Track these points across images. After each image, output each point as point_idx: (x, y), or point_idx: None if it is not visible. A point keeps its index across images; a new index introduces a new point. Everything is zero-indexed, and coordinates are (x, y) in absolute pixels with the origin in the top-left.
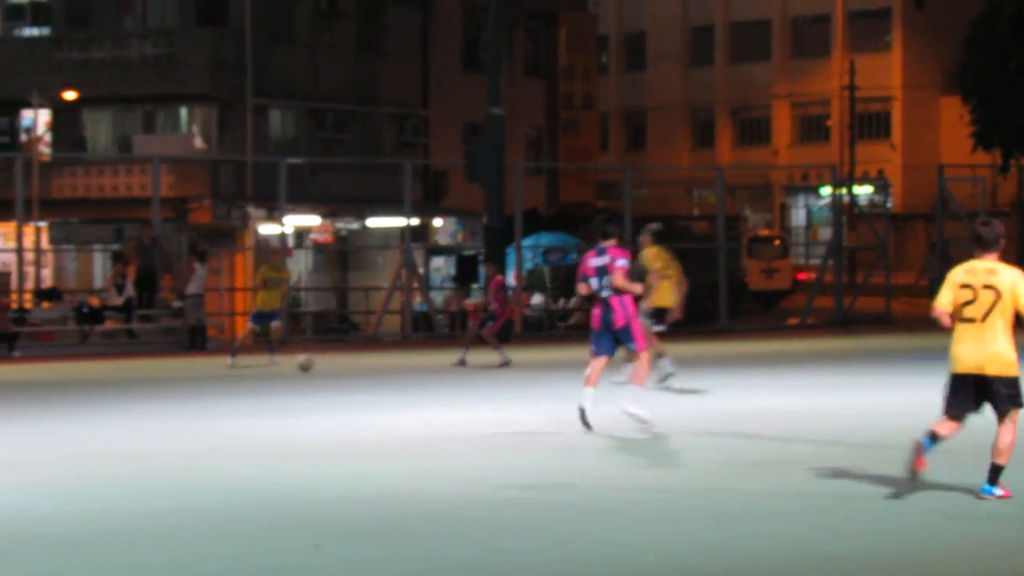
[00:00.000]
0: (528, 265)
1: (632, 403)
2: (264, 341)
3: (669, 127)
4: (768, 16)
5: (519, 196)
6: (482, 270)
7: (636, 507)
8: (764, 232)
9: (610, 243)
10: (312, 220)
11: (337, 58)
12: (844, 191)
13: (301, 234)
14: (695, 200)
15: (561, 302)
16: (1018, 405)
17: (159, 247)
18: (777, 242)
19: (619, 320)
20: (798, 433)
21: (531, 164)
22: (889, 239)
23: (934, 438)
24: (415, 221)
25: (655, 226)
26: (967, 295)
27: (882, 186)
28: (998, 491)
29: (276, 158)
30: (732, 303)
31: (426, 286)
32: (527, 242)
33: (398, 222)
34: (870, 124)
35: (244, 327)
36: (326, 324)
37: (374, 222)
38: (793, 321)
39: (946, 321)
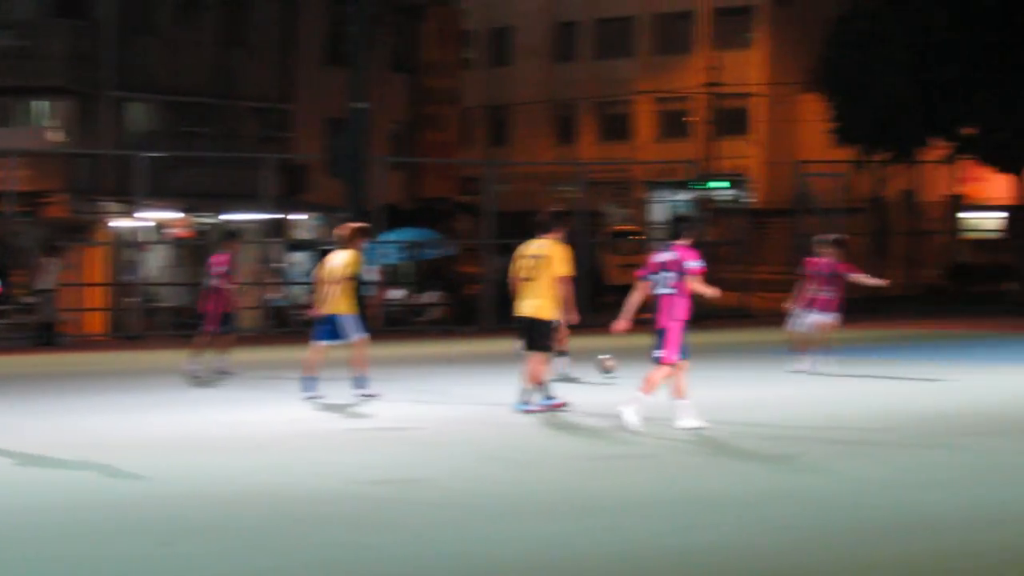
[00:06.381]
0: (390, 260)
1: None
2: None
3: (532, 122)
4: (633, 12)
5: (381, 190)
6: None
7: (493, 502)
8: (625, 227)
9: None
10: (171, 215)
11: (198, 51)
12: (705, 187)
13: (159, 228)
14: (557, 195)
15: (423, 297)
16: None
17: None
18: (637, 237)
19: None
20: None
21: (392, 158)
22: (749, 234)
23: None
24: (275, 216)
25: None
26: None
27: (741, 182)
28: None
29: (133, 152)
30: (591, 297)
31: (285, 281)
32: (389, 237)
33: (258, 217)
34: (731, 120)
35: None
36: (181, 319)
37: (233, 217)
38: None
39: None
